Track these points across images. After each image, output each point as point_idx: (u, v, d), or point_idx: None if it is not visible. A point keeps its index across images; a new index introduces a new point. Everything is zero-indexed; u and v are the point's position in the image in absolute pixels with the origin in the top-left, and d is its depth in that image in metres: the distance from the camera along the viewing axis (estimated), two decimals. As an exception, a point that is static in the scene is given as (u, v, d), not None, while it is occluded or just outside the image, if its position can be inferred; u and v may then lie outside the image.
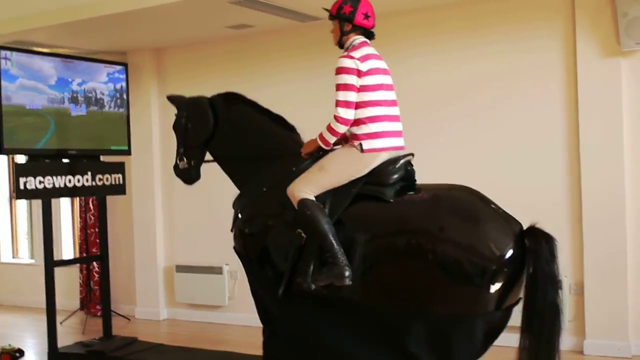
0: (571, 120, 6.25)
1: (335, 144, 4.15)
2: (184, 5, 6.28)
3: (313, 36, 7.06)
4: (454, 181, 4.22)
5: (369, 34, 4.14)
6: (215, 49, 7.97)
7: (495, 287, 3.68)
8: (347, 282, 3.82)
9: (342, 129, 3.98)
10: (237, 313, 7.69)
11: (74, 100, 5.81)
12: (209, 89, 7.85)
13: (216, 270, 7.85)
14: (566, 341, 6.08)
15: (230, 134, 4.53)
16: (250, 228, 4.34)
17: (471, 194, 3.98)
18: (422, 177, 4.23)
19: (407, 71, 6.78)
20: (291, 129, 4.50)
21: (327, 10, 4.17)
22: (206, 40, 7.94)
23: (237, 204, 4.45)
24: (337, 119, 3.95)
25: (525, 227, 3.84)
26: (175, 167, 4.69)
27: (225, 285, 7.84)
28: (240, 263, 4.55)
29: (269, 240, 4.24)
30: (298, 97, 6.98)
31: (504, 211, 3.89)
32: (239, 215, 4.42)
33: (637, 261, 6.06)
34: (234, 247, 4.48)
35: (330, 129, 4.01)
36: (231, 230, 4.48)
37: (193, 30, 7.43)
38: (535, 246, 3.69)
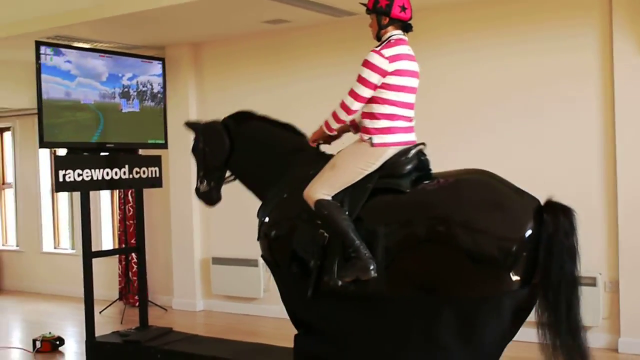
0: (607, 120, 6.15)
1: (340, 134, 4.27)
2: (221, 1, 6.30)
3: (348, 32, 7.03)
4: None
5: (406, 27, 4.10)
6: (252, 44, 7.98)
7: (518, 266, 3.66)
8: (373, 274, 3.83)
9: (344, 116, 4.04)
10: (271, 305, 7.70)
11: (124, 95, 5.90)
12: (245, 83, 8.00)
13: (252, 263, 7.88)
14: (600, 339, 6.10)
15: (245, 151, 4.62)
16: (276, 232, 4.38)
17: (487, 176, 3.95)
18: (457, 166, 4.22)
19: (440, 69, 6.75)
20: (301, 135, 4.56)
21: (364, 4, 4.14)
22: (243, 35, 7.96)
23: (261, 213, 4.51)
24: (342, 105, 4.01)
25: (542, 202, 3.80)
26: (197, 190, 4.81)
27: (260, 277, 7.87)
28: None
29: (295, 242, 4.27)
30: (332, 93, 6.77)
31: (520, 189, 3.86)
32: (264, 222, 4.45)
33: (673, 259, 5.96)
34: (262, 256, 4.53)
35: (334, 115, 4.09)
36: (257, 239, 4.52)
37: (230, 25, 7.45)
38: (554, 220, 3.66)
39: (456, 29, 6.77)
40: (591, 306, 5.96)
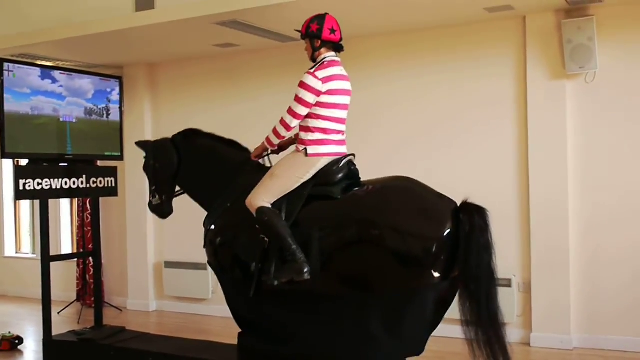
0: (521, 135, 6.31)
1: (280, 149, 4.31)
2: (174, 25, 6.27)
3: (293, 56, 7.06)
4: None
5: (337, 47, 4.16)
6: (204, 65, 7.95)
7: (439, 262, 3.74)
8: (306, 277, 3.88)
9: (284, 132, 4.10)
10: (219, 305, 7.60)
11: (87, 111, 5.84)
12: (197, 101, 7.96)
13: (201, 267, 7.81)
14: (515, 334, 6.21)
15: (192, 166, 4.64)
16: (221, 238, 4.40)
17: (410, 183, 4.04)
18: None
19: (374, 91, 6.87)
20: (245, 150, 4.59)
21: (298, 31, 4.20)
22: (195, 57, 7.92)
23: (207, 222, 4.51)
24: (282, 122, 4.07)
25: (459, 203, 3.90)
26: (149, 204, 4.81)
27: (209, 280, 7.82)
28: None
29: (238, 247, 4.29)
30: (278, 112, 6.93)
31: (439, 193, 3.96)
32: (210, 230, 4.45)
33: (578, 262, 6.12)
34: (208, 262, 4.52)
35: (274, 131, 4.14)
36: (204, 247, 4.50)
37: (183, 47, 7.41)
38: (469, 218, 3.76)
39: (394, 56, 6.87)
40: (506, 305, 6.04)
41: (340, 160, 4.09)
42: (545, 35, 6.10)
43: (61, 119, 5.53)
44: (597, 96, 6.02)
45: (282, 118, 4.05)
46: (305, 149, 4.04)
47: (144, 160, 4.83)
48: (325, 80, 3.98)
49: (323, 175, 4.06)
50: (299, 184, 4.07)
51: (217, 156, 4.57)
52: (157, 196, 4.73)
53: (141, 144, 4.87)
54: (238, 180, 4.39)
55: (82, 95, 5.76)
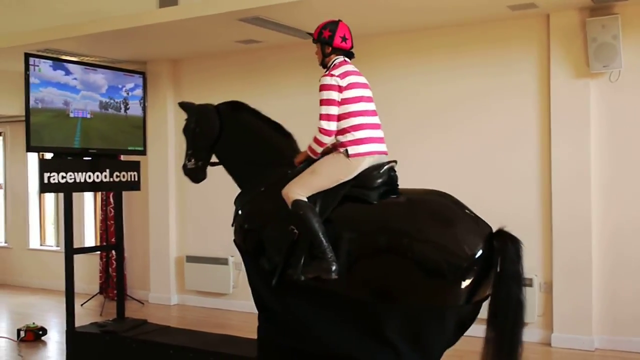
0: (544, 136, 6.26)
1: (323, 153, 4.17)
2: (197, 21, 6.31)
3: (313, 53, 7.06)
4: (438, 188, 4.17)
5: (348, 54, 4.16)
6: (226, 61, 7.99)
7: (465, 283, 3.68)
8: (334, 276, 3.84)
9: (326, 139, 4.02)
10: (240, 300, 7.70)
11: (112, 105, 5.86)
12: (219, 98, 7.90)
13: (222, 261, 7.87)
14: (535, 334, 6.17)
15: (233, 139, 4.55)
16: (249, 224, 4.35)
17: (446, 198, 3.98)
18: (409, 181, 4.25)
19: (395, 89, 6.85)
20: (288, 135, 4.52)
21: (310, 34, 4.20)
22: (218, 53, 7.96)
23: (238, 202, 4.47)
24: (320, 130, 3.99)
25: (494, 229, 3.83)
26: (184, 166, 4.70)
27: (230, 275, 7.87)
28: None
29: (265, 235, 4.25)
30: (298, 107, 6.97)
31: (475, 214, 3.89)
32: (239, 212, 4.43)
33: (600, 263, 6.06)
34: (234, 241, 4.49)
35: (316, 140, 4.06)
36: (232, 225, 4.49)
37: (206, 43, 7.45)
38: (503, 247, 3.68)
39: (415, 54, 6.85)
40: (528, 305, 6.04)
41: (382, 165, 4.04)
42: (569, 34, 6.04)
43: (71, 114, 5.53)
44: (622, 95, 5.95)
45: (318, 127, 3.98)
46: (346, 150, 3.97)
47: (184, 123, 4.73)
48: (342, 76, 3.97)
49: (362, 178, 4.00)
50: (338, 184, 4.04)
51: (259, 136, 4.49)
52: (192, 160, 4.62)
53: (184, 106, 4.75)
54: (275, 167, 4.33)
55: (96, 90, 5.79)
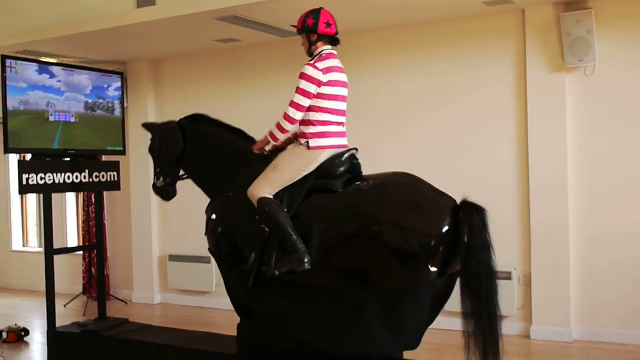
0: (521, 129, 6.32)
1: (277, 151, 4.26)
2: (175, 20, 6.32)
3: (294, 50, 7.03)
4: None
5: (333, 41, 4.17)
6: (206, 60, 7.99)
7: (436, 258, 3.74)
8: (307, 266, 3.88)
9: (288, 126, 4.08)
10: (222, 298, 7.57)
11: (90, 106, 5.84)
12: (199, 96, 7.98)
13: (204, 260, 7.88)
14: (514, 327, 6.23)
15: (197, 150, 4.63)
16: (222, 228, 4.40)
17: (409, 178, 4.04)
18: (391, 170, 4.28)
19: (375, 85, 6.89)
20: (251, 139, 4.57)
21: (294, 26, 4.22)
22: (198, 52, 7.96)
23: (209, 209, 4.52)
24: (285, 116, 4.04)
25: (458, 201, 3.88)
26: (154, 185, 4.79)
27: (212, 273, 7.87)
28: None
29: (238, 237, 4.29)
30: (278, 105, 6.92)
31: (439, 190, 3.95)
32: (211, 218, 4.48)
33: (578, 257, 6.13)
34: (209, 249, 4.53)
35: (278, 125, 4.11)
36: (205, 234, 4.53)
37: (185, 43, 7.45)
38: (468, 217, 3.74)
39: (394, 49, 6.90)
40: (506, 297, 6.09)
41: (342, 153, 4.09)
42: (544, 29, 6.10)
43: (51, 118, 5.50)
44: (596, 89, 6.02)
45: (284, 112, 4.04)
46: (307, 141, 4.04)
47: (149, 142, 4.79)
48: (325, 70, 3.99)
49: (325, 168, 4.06)
50: (301, 177, 4.08)
51: (222, 143, 4.56)
52: (161, 178, 4.71)
53: (148, 126, 4.86)
54: (241, 170, 4.38)
55: (80, 91, 5.78)
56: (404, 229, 3.74)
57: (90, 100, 5.87)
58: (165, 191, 4.73)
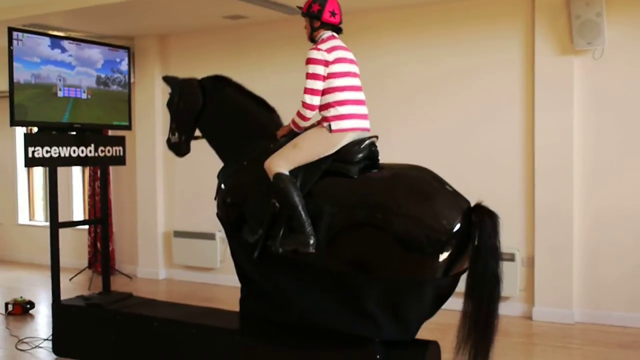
0: (528, 112, 6.30)
1: (307, 128, 4.20)
2: (183, -4, 6.30)
3: (300, 28, 7.02)
4: (423, 163, 4.19)
5: (336, 30, 4.15)
6: (214, 37, 7.97)
7: (443, 257, 3.71)
8: (311, 249, 3.87)
9: (308, 113, 4.03)
10: (226, 275, 7.73)
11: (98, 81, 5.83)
12: (206, 72, 7.80)
13: (209, 236, 7.92)
14: (517, 308, 6.26)
15: (217, 113, 4.56)
16: (232, 198, 4.38)
17: (426, 173, 4.00)
18: (396, 156, 4.31)
19: (383, 66, 6.87)
20: (271, 110, 4.53)
21: (299, 7, 4.19)
22: (205, 29, 7.94)
23: (221, 175, 4.49)
24: (304, 104, 4.00)
25: (472, 204, 3.86)
26: (168, 140, 4.72)
27: (217, 249, 7.93)
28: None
29: (247, 208, 4.28)
30: (286, 83, 6.97)
31: (454, 189, 3.92)
32: (222, 186, 4.45)
33: (582, 239, 6.13)
34: (217, 214, 4.52)
35: (299, 114, 4.08)
36: (215, 199, 4.52)
37: (193, 19, 7.43)
38: (480, 221, 3.70)
39: (403, 30, 6.87)
40: (510, 279, 6.08)
41: (363, 140, 4.05)
42: (553, 11, 6.05)
43: (60, 93, 5.49)
44: (605, 72, 5.98)
45: (302, 101, 3.99)
46: (329, 124, 3.99)
47: (168, 96, 4.74)
48: (329, 50, 3.97)
49: (344, 153, 4.02)
50: (320, 158, 4.06)
51: (242, 110, 4.50)
52: (176, 134, 4.64)
53: (168, 80, 4.76)
54: (258, 140, 4.34)
55: (91, 65, 5.78)
56: (414, 222, 3.71)
57: (103, 75, 5.85)
58: (179, 148, 4.66)
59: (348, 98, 4.02)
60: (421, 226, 3.71)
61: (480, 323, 3.73)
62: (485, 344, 3.74)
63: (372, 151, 4.10)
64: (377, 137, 4.17)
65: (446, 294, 3.92)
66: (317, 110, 4.03)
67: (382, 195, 3.83)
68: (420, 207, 3.76)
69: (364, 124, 4.11)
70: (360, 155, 4.02)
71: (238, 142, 4.45)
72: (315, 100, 3.98)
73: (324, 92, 3.99)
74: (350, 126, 4.02)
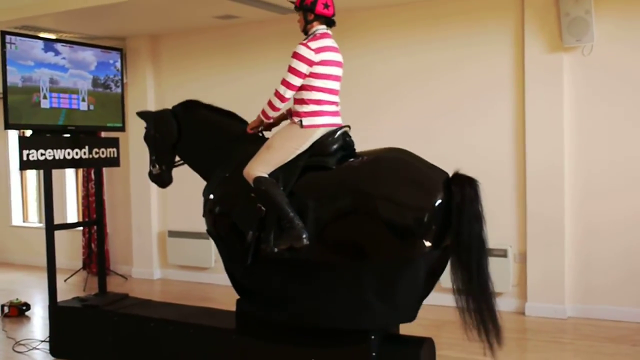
0: (518, 110, 6.35)
1: (272, 126, 4.38)
2: (174, -3, 6.31)
3: (293, 27, 7.02)
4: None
5: (329, 22, 4.19)
6: (205, 37, 7.99)
7: (430, 232, 3.78)
8: (305, 242, 3.93)
9: (278, 104, 4.12)
10: (221, 274, 7.65)
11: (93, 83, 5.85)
12: (198, 72, 8.00)
13: (204, 236, 7.86)
14: (510, 303, 6.31)
15: (192, 135, 4.69)
16: (219, 208, 4.45)
17: (403, 154, 4.08)
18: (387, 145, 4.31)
19: (372, 61, 6.89)
20: (243, 121, 4.64)
21: (292, 2, 4.23)
22: (197, 29, 7.96)
23: (206, 191, 4.57)
24: (276, 94, 4.09)
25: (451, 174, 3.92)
26: (150, 173, 4.88)
27: (211, 249, 7.94)
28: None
29: (235, 216, 4.35)
30: (276, 82, 6.99)
31: (431, 164, 3.99)
32: (208, 199, 4.52)
33: (573, 235, 6.20)
34: (207, 230, 4.59)
35: (269, 103, 4.16)
36: (203, 216, 4.58)
37: (185, 19, 7.45)
38: (461, 189, 3.78)
39: (393, 27, 6.91)
40: (502, 275, 6.19)
41: (335, 131, 4.12)
42: (542, 8, 6.11)
43: (43, 103, 5.49)
44: (594, 69, 6.04)
45: (276, 90, 4.09)
46: (301, 120, 4.08)
47: (144, 131, 4.89)
48: (318, 50, 4.02)
49: (318, 146, 4.10)
50: (295, 155, 4.13)
51: (215, 127, 4.63)
52: (157, 166, 4.81)
53: (142, 115, 4.94)
54: (236, 151, 4.44)
55: (85, 67, 5.79)
56: (398, 203, 3.78)
57: (102, 77, 5.88)
58: (162, 179, 4.84)
59: (323, 99, 4.10)
60: (404, 206, 3.77)
61: (474, 291, 3.79)
62: (488, 306, 3.79)
63: (346, 141, 4.18)
64: (349, 126, 4.24)
65: (439, 269, 3.99)
66: (287, 102, 4.12)
67: (362, 182, 3.90)
68: (401, 187, 3.83)
69: (336, 120, 4.19)
70: (335, 146, 4.10)
71: (217, 157, 4.55)
72: (289, 94, 4.07)
73: (301, 88, 4.07)
74: (322, 122, 4.11)
